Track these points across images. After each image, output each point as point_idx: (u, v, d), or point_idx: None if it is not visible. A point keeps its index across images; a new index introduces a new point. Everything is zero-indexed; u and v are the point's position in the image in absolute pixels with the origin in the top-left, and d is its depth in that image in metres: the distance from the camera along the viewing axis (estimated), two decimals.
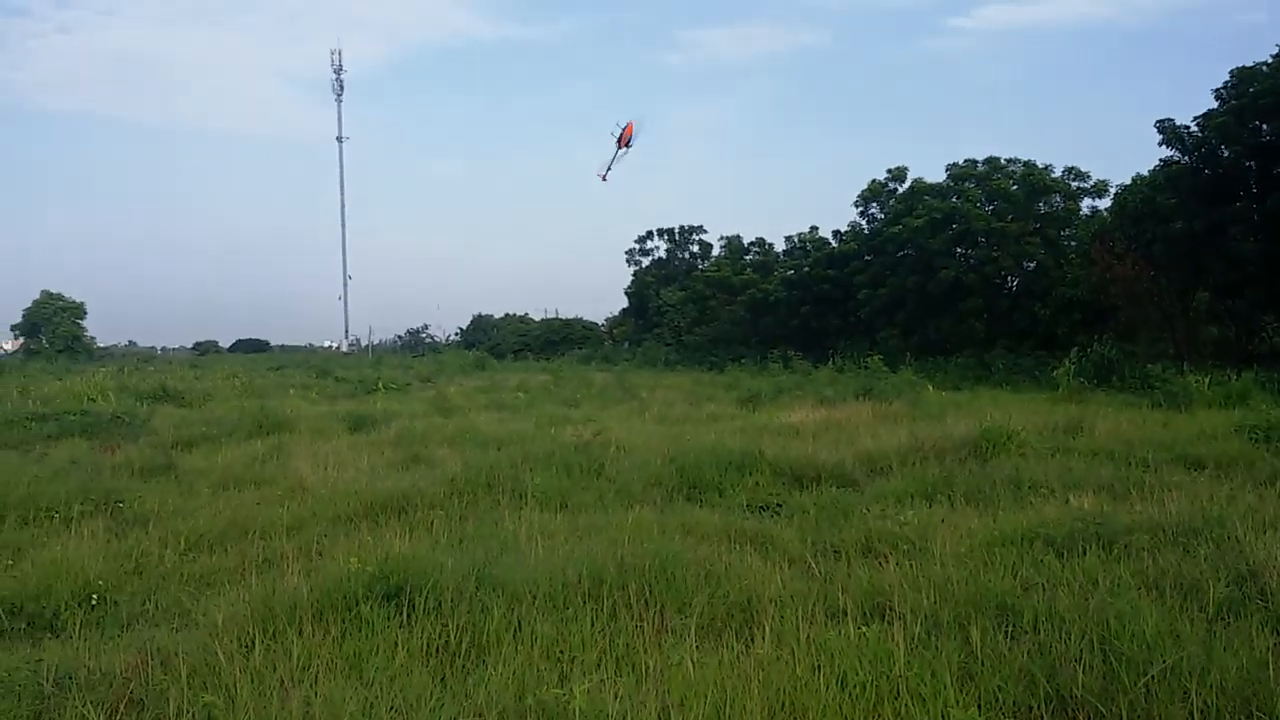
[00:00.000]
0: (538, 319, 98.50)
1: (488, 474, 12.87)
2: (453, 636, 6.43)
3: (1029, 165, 48.52)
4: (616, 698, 5.09)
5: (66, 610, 7.96)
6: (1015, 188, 47.82)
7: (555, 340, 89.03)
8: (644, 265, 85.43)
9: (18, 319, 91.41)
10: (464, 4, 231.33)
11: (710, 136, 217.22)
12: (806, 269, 58.88)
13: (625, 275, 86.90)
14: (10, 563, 9.16)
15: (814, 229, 63.65)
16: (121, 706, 5.42)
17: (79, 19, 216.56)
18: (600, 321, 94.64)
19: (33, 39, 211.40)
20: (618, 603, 7.06)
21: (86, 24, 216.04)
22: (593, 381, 40.29)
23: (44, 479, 13.08)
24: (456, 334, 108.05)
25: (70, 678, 5.79)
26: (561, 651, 6.33)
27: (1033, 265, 47.13)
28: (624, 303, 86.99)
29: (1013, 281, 48.50)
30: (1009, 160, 49.40)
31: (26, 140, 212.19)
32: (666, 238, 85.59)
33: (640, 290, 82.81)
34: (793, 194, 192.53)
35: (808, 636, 6.24)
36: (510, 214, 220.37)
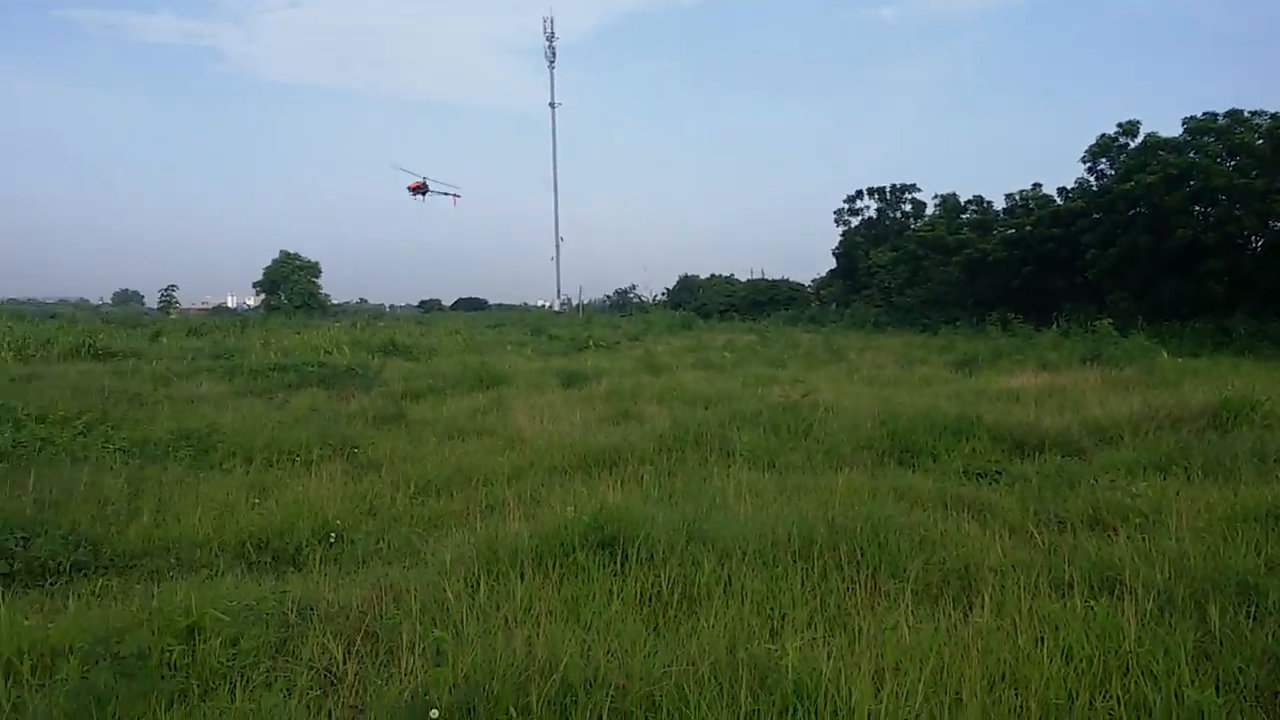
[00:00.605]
0: (743, 280, 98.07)
1: (695, 431, 12.99)
2: (665, 587, 6.56)
3: (1275, 118, 44.48)
4: (829, 657, 5.07)
5: (307, 547, 8.58)
6: (1260, 142, 43.92)
7: (761, 301, 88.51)
8: (853, 225, 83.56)
9: (259, 276, 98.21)
10: None
11: (923, 92, 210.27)
12: (1029, 228, 56.05)
13: (833, 236, 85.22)
14: (258, 501, 9.90)
15: (1037, 186, 60.45)
16: (358, 638, 5.78)
17: None
18: (807, 282, 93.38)
19: (266, 14, 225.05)
20: (828, 563, 7.01)
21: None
22: (799, 342, 39.88)
23: (286, 425, 14.08)
24: (663, 294, 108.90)
25: (311, 609, 6.22)
26: (772, 608, 6.35)
27: None
28: (831, 264, 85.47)
29: (1257, 242, 44.67)
30: (1253, 113, 45.41)
31: (266, 110, 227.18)
32: (877, 197, 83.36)
33: (849, 251, 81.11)
34: (1012, 151, 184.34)
35: (1030, 608, 6.03)
36: (716, 175, 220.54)
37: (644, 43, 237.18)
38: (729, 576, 6.73)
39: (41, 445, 11.95)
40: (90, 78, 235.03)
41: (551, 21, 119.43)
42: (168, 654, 5.26)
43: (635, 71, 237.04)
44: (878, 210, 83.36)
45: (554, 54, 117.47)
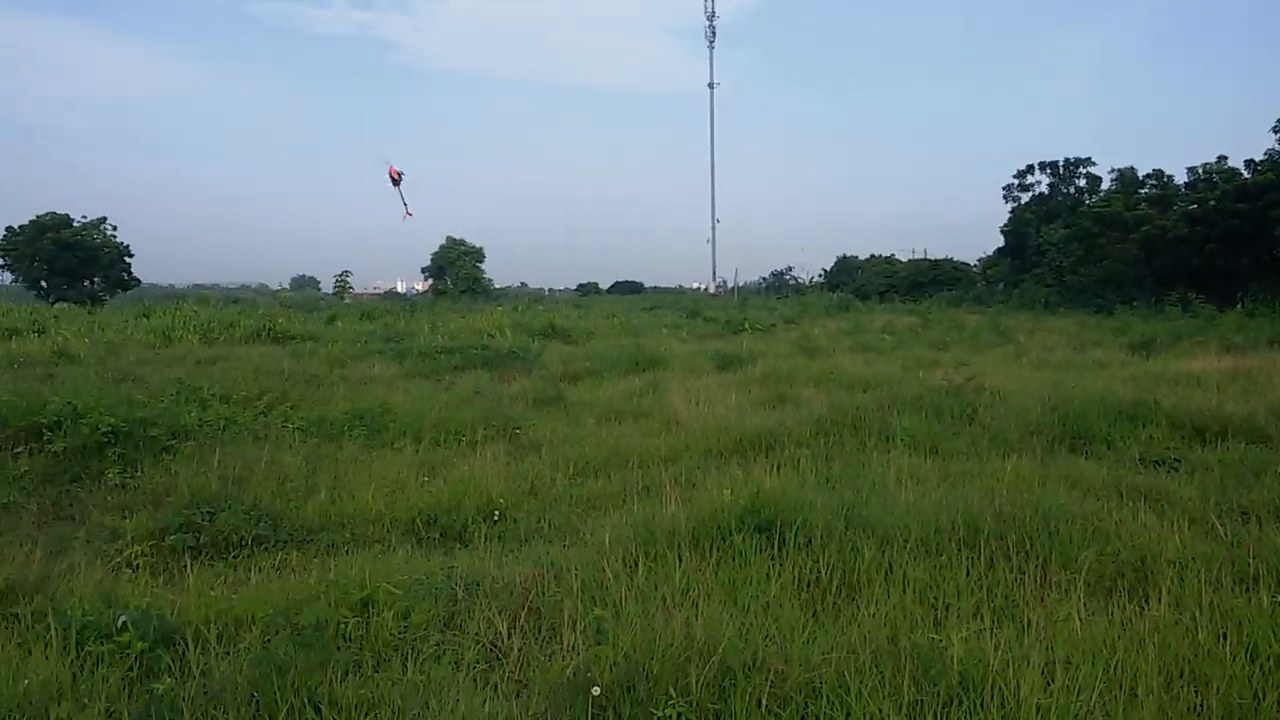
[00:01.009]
0: (904, 260, 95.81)
1: (854, 415, 12.79)
2: (823, 573, 6.48)
3: None
4: (997, 649, 4.92)
5: (473, 524, 8.84)
6: None
7: (923, 282, 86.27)
8: (1023, 201, 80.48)
9: (427, 262, 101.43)
10: None
11: (1096, 61, 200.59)
12: (1212, 203, 52.87)
13: (1000, 213, 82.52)
14: (426, 479, 10.25)
15: (1221, 159, 57.02)
16: (522, 614, 5.93)
17: None
18: (972, 262, 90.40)
19: (435, 3, 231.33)
20: (995, 553, 6.80)
21: None
22: (964, 324, 38.77)
23: (453, 406, 14.52)
24: (820, 276, 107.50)
25: (477, 585, 6.40)
26: (935, 598, 6.20)
27: None
28: (998, 242, 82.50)
29: None
30: None
31: (434, 97, 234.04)
32: (1049, 171, 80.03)
33: (1018, 228, 78.16)
34: (1194, 122, 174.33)
35: (1211, 602, 5.71)
36: (876, 153, 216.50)
37: (804, 19, 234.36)
38: (890, 564, 6.60)
39: (225, 424, 12.64)
40: (270, 70, 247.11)
41: (712, 1, 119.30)
42: (343, 626, 5.50)
43: (794, 49, 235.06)
44: (1049, 185, 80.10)
45: (713, 34, 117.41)
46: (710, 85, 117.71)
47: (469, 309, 56.25)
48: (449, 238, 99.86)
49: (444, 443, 12.34)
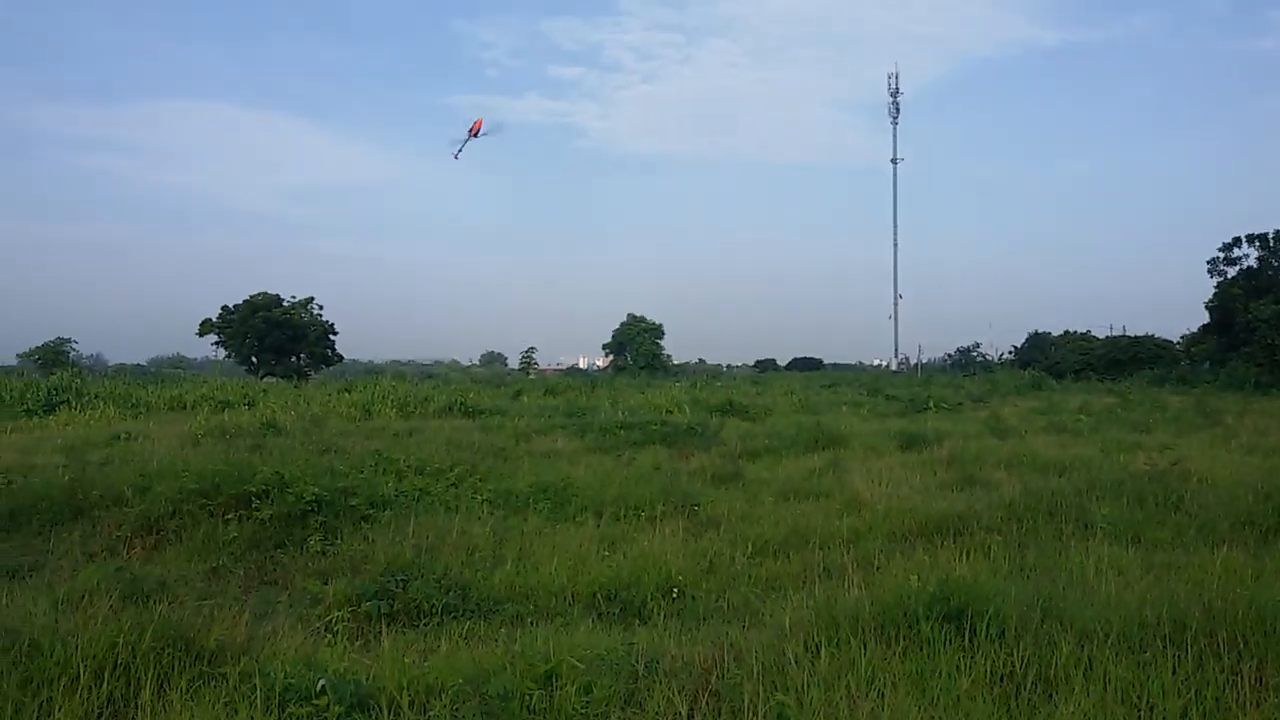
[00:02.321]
0: (1101, 337, 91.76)
1: (1049, 501, 12.25)
2: (1017, 667, 6.19)
3: None
4: None
5: (652, 600, 8.85)
6: None
7: (1121, 360, 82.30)
8: (1229, 275, 76.02)
9: (608, 339, 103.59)
10: (1024, 10, 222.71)
11: None
12: None
13: (1205, 288, 77.89)
14: (607, 553, 10.34)
15: None
16: (703, 696, 5.89)
17: (659, 69, 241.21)
18: (1175, 339, 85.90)
19: (622, 90, 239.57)
20: (1204, 651, 6.34)
21: (666, 73, 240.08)
22: (1166, 405, 36.72)
23: (632, 481, 14.66)
24: (1010, 352, 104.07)
25: (657, 662, 6.38)
26: (1139, 697, 5.84)
27: None
28: (1203, 318, 78.08)
29: None
30: None
31: (615, 180, 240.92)
32: (1258, 244, 75.41)
33: (1224, 304, 73.76)
34: None
35: None
36: (1069, 225, 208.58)
37: (991, 91, 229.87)
38: (1089, 660, 6.25)
39: (419, 495, 13.15)
40: (464, 158, 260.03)
41: (896, 78, 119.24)
42: (527, 697, 5.59)
43: (980, 121, 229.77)
44: (1259, 259, 75.46)
45: (897, 110, 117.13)
46: (893, 161, 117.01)
47: (648, 385, 56.97)
48: (629, 315, 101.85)
49: (624, 517, 12.45)
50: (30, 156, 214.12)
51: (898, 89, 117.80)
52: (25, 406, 31.91)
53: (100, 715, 5.69)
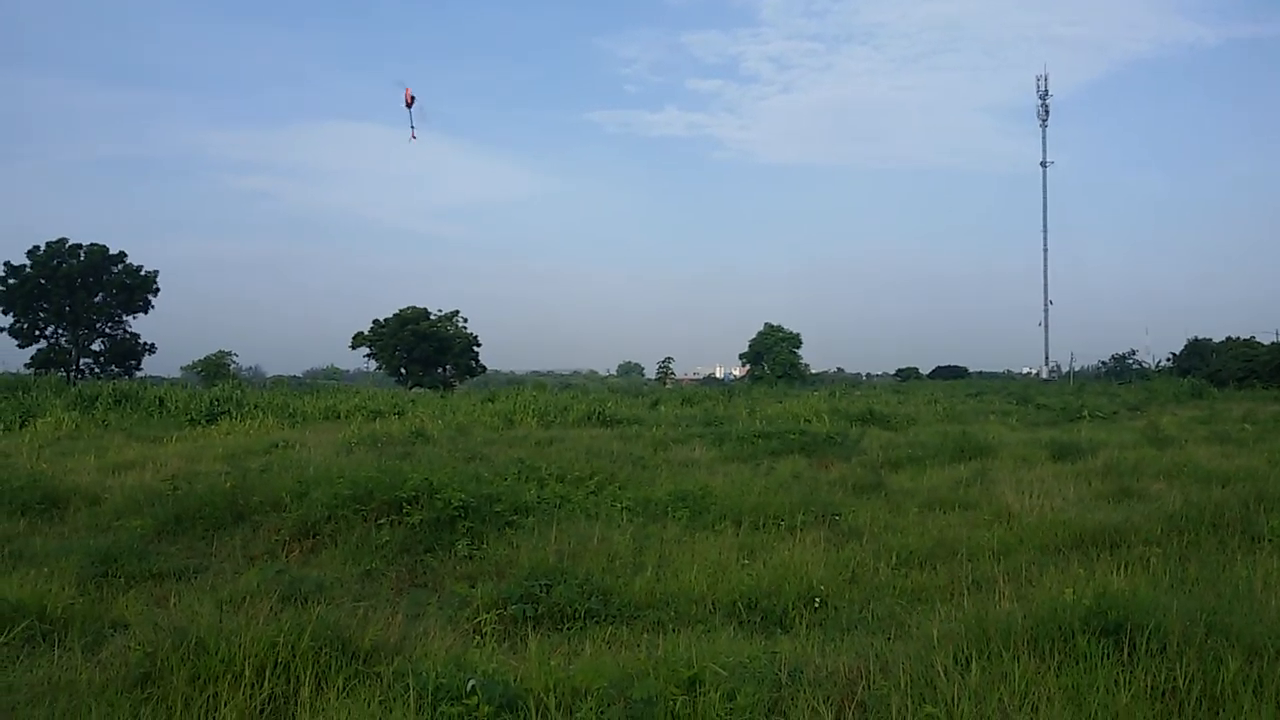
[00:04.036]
0: (1265, 343, 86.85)
1: (1212, 512, 11.64)
2: (1180, 683, 5.91)
3: None
4: None
5: (793, 609, 8.78)
6: None
7: None
8: None
9: (745, 348, 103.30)
10: (1183, 9, 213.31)
11: None
12: None
13: None
14: (746, 562, 10.29)
15: None
16: (849, 707, 5.80)
17: (799, 78, 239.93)
18: None
19: (760, 101, 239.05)
20: None
21: (805, 81, 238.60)
22: None
23: (771, 490, 14.55)
24: (1168, 359, 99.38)
25: (800, 672, 6.32)
26: None
27: None
28: None
29: None
30: None
31: (753, 190, 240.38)
32: None
33: None
34: None
35: None
36: (1231, 228, 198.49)
37: (1147, 90, 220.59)
38: (1259, 677, 5.92)
39: (561, 502, 13.35)
40: (605, 171, 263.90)
41: (1045, 80, 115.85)
42: (672, 703, 5.61)
43: (1136, 121, 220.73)
44: None
45: (1046, 112, 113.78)
46: (1043, 164, 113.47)
47: (785, 394, 56.56)
48: (766, 324, 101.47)
49: (763, 526, 12.36)
50: (196, 178, 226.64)
51: (1047, 91, 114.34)
52: (189, 417, 33.64)
53: (263, 711, 5.93)
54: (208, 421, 32.59)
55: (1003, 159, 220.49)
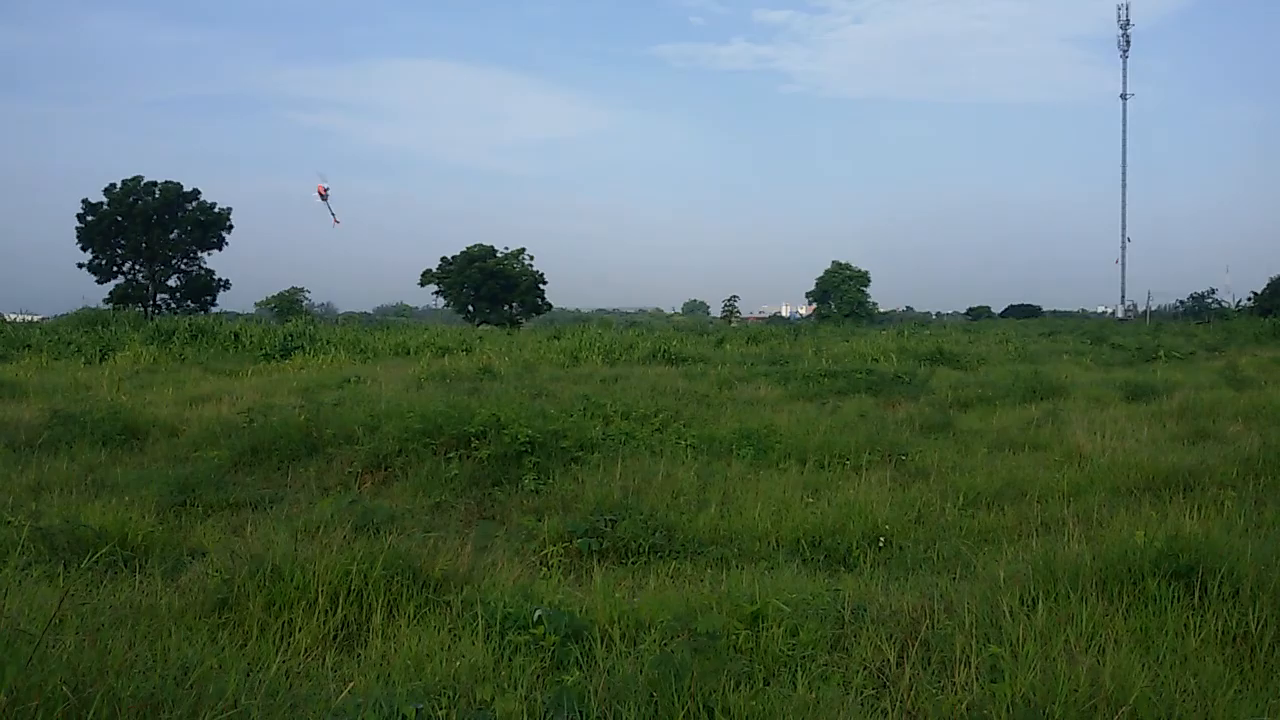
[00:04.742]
0: None
1: None
2: (1253, 627, 5.82)
3: None
4: None
5: (857, 548, 8.79)
6: None
7: None
8: None
9: (811, 286, 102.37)
10: None
11: None
12: None
13: None
14: (811, 500, 10.28)
15: None
16: (911, 644, 5.81)
17: (870, 9, 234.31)
18: None
19: (830, 32, 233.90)
20: None
21: (877, 12, 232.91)
22: None
23: (836, 429, 14.50)
24: (1248, 299, 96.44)
25: (864, 610, 6.35)
26: None
27: None
28: None
29: None
30: None
31: (823, 124, 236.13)
32: None
33: None
34: None
35: None
36: None
37: (1232, 20, 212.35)
38: None
39: (625, 439, 13.43)
40: (674, 106, 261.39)
41: (1127, 8, 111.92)
42: (734, 637, 5.67)
43: (1221, 53, 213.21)
44: None
45: (1127, 43, 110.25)
46: (1123, 96, 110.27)
47: (852, 333, 56.08)
48: (834, 262, 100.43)
49: (828, 465, 12.34)
50: (267, 115, 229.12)
51: (1128, 20, 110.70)
52: (264, 351, 34.35)
53: (336, 636, 6.11)
54: (281, 356, 33.24)
55: (1081, 91, 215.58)
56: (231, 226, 78.61)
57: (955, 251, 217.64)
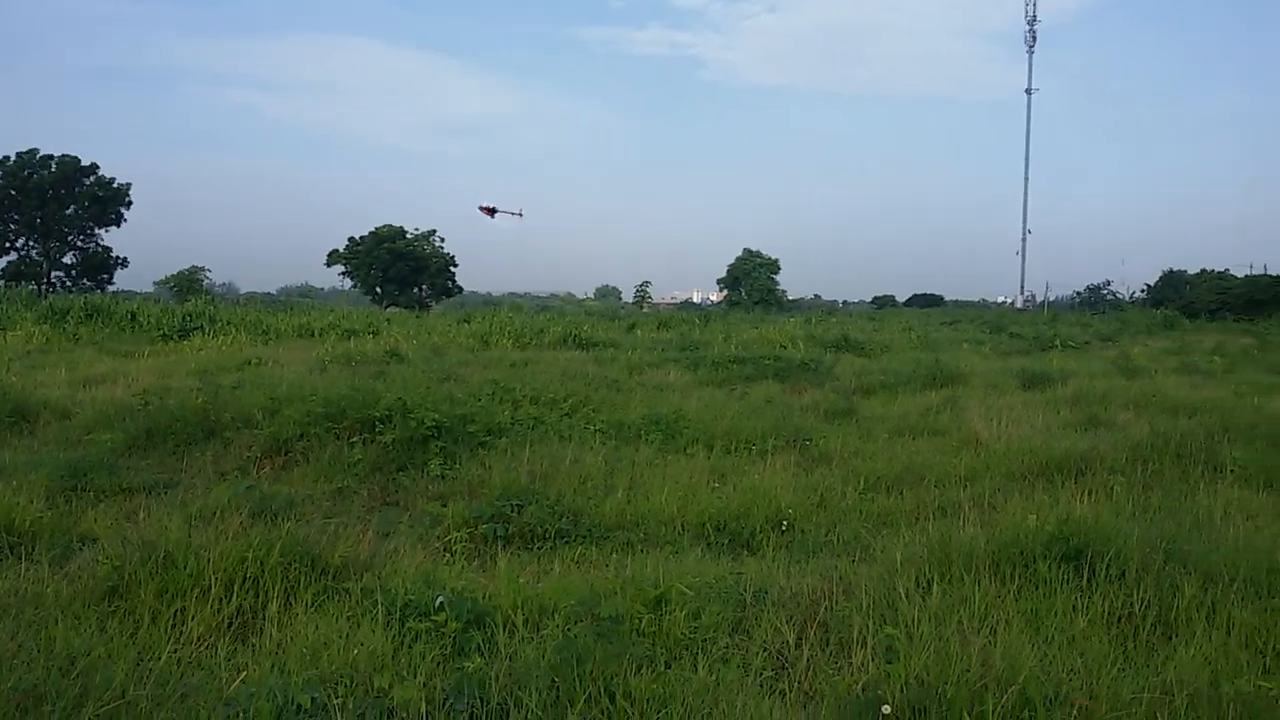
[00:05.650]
0: (1240, 276, 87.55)
1: (1177, 443, 11.79)
2: (1137, 608, 6.06)
3: None
4: None
5: (761, 532, 8.88)
6: None
7: (1261, 300, 78.37)
8: None
9: (723, 273, 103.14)
10: None
11: None
12: None
13: None
14: (717, 485, 10.38)
15: None
16: (810, 626, 5.90)
17: None
18: None
19: (746, 20, 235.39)
20: None
21: (792, 2, 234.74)
22: None
23: (744, 415, 14.64)
24: (1142, 291, 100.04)
25: (765, 593, 6.45)
26: (1264, 643, 5.69)
27: None
28: None
29: None
30: None
31: (735, 112, 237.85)
32: None
33: None
34: None
35: None
36: (1208, 161, 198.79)
37: (1133, 20, 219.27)
38: (1213, 603, 6.08)
39: (534, 423, 13.36)
40: (590, 90, 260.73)
41: (1033, 4, 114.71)
42: (638, 621, 5.69)
43: (1121, 50, 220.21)
44: None
45: (1033, 38, 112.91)
46: (1028, 91, 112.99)
47: (762, 320, 56.63)
48: (745, 249, 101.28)
49: (734, 450, 12.45)
50: (172, 90, 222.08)
51: (1035, 16, 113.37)
52: (161, 332, 33.38)
53: (230, 625, 5.98)
54: (180, 337, 32.35)
55: (989, 86, 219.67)
56: (131, 203, 76.40)
57: (863, 241, 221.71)
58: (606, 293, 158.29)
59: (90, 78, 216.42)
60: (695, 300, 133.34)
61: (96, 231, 76.19)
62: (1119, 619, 6.02)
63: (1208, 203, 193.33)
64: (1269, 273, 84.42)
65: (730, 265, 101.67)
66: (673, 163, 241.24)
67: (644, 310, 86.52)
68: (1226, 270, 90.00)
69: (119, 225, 76.57)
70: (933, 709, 4.49)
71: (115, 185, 75.14)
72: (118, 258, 77.14)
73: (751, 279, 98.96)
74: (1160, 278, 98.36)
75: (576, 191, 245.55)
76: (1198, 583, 6.30)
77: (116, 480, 10.43)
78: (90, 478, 10.31)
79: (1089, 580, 6.36)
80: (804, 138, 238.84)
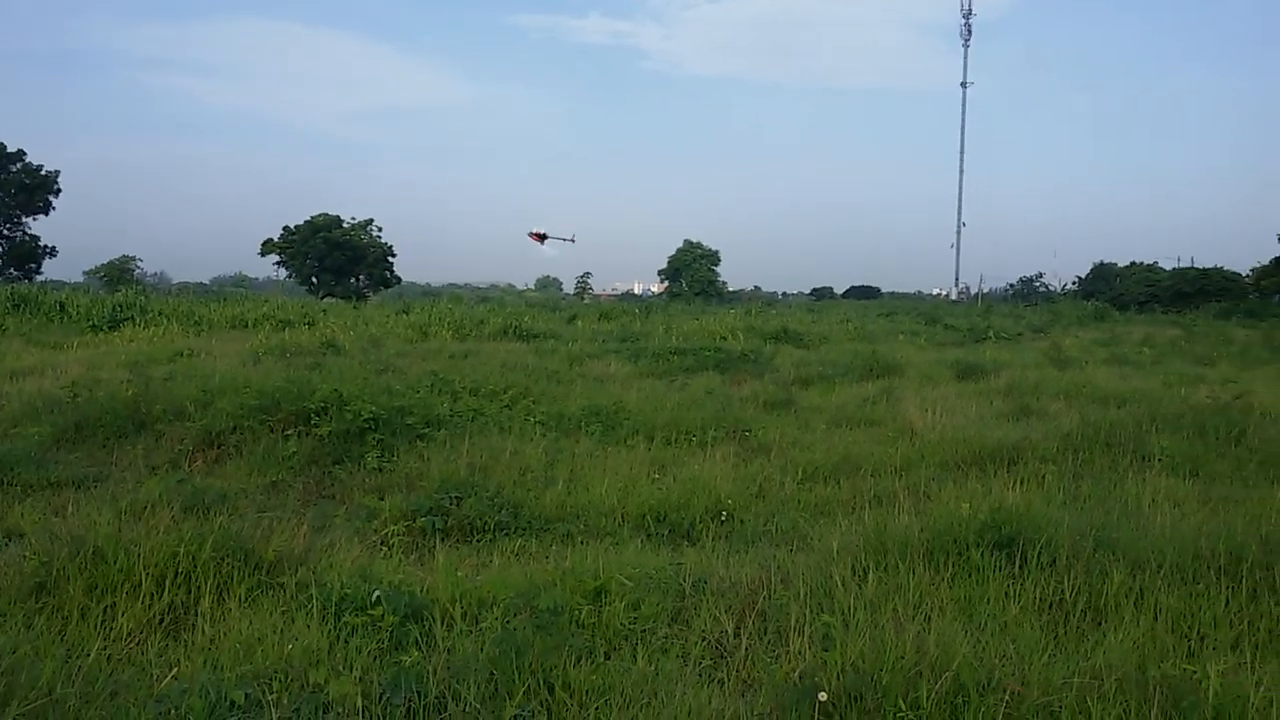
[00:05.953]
0: (1168, 268, 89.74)
1: (1106, 432, 12.07)
2: (1067, 595, 6.19)
3: None
4: (1259, 685, 4.55)
5: (700, 523, 8.92)
6: None
7: (1188, 292, 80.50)
8: None
9: (664, 264, 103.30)
10: None
11: None
12: None
13: (1277, 219, 75.74)
14: (657, 476, 10.40)
15: None
16: (749, 615, 5.95)
17: None
18: (1244, 272, 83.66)
19: (687, 10, 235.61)
20: (1259, 584, 6.30)
21: None
22: (1233, 338, 35.87)
23: (684, 406, 14.68)
24: (1074, 283, 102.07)
25: (704, 583, 6.47)
26: (1190, 627, 5.85)
27: None
28: (1275, 250, 76.10)
29: None
30: None
31: (677, 102, 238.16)
32: None
33: None
34: None
35: None
36: (1139, 155, 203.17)
37: (1068, 12, 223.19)
38: (1141, 589, 6.23)
39: (474, 415, 13.28)
40: (531, 79, 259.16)
41: None
42: (577, 612, 5.69)
43: (1056, 43, 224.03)
44: None
45: (969, 31, 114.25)
46: (963, 84, 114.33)
47: (702, 311, 56.78)
48: (686, 241, 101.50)
49: (675, 442, 12.49)
50: (100, 74, 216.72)
51: (970, 10, 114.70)
52: (91, 323, 32.56)
53: (162, 621, 5.86)
54: (110, 328, 31.59)
55: (927, 79, 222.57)
56: (60, 191, 74.53)
57: (802, 233, 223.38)
58: (547, 284, 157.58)
59: (16, 60, 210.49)
60: (636, 291, 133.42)
61: (24, 220, 74.27)
62: (1050, 605, 6.14)
63: (1138, 196, 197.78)
64: (1196, 265, 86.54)
65: (671, 256, 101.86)
66: (615, 153, 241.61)
67: (585, 301, 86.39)
68: (1155, 263, 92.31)
69: (47, 213, 74.85)
70: (869, 695, 4.55)
71: (43, 172, 73.30)
72: (46, 247, 75.31)
73: (692, 270, 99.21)
74: (1091, 270, 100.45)
75: (517, 181, 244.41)
76: (1126, 569, 6.45)
77: (44, 474, 10.19)
78: (17, 472, 10.07)
79: (1021, 567, 6.49)
80: (744, 129, 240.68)
